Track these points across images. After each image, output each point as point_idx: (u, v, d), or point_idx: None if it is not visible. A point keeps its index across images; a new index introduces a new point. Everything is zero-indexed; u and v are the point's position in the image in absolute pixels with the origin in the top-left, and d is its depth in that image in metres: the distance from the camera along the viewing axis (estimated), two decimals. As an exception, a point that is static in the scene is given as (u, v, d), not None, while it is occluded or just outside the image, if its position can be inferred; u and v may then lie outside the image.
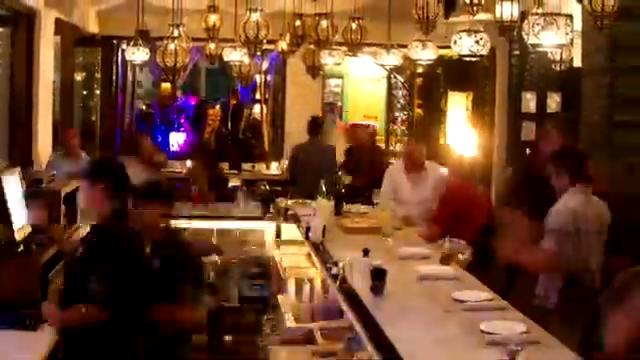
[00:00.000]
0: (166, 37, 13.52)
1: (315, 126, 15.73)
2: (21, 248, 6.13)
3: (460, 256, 8.91)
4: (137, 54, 14.41)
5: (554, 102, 17.41)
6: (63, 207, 7.12)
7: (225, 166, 16.82)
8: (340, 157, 16.25)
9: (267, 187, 13.94)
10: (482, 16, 10.41)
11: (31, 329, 5.82)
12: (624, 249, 8.81)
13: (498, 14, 9.88)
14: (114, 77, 18.43)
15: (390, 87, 20.50)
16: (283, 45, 14.38)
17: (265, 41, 12.53)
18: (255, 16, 12.07)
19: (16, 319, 5.80)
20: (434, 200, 11.16)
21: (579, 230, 8.03)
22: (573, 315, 7.44)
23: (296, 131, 17.85)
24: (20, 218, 6.34)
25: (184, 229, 10.84)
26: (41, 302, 6.03)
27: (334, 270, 7.84)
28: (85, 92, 17.86)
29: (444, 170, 11.85)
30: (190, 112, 21.69)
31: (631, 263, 5.46)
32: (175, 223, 10.93)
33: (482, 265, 9.10)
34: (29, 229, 6.45)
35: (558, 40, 8.14)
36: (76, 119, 16.43)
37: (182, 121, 21.39)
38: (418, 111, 20.51)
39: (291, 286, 9.43)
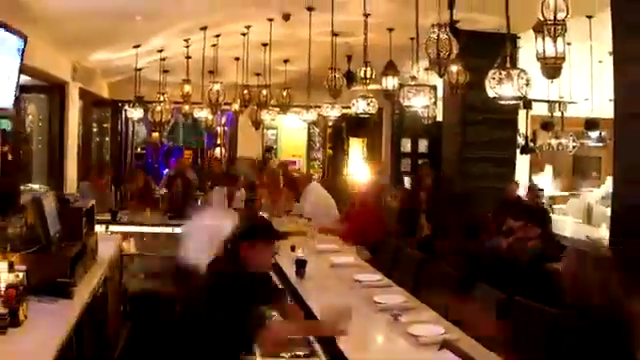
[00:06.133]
0: (155, 101, 13.58)
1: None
2: (55, 247, 6.08)
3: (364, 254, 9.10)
4: (135, 113, 14.54)
5: (423, 145, 17.60)
6: (84, 220, 7.06)
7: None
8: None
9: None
10: (373, 86, 10.50)
11: (66, 297, 5.77)
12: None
13: (384, 85, 9.94)
14: (119, 128, 18.38)
15: (309, 135, 20.46)
16: (236, 106, 14.36)
17: (223, 103, 12.66)
18: (216, 87, 12.22)
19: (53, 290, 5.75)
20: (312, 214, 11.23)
21: None
22: None
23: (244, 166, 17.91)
24: (54, 226, 6.28)
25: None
26: (69, 286, 5.97)
27: (271, 260, 7.86)
28: (99, 139, 17.72)
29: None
30: (173, 152, 21.54)
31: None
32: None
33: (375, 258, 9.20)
34: (61, 233, 6.40)
35: (424, 103, 8.22)
36: (93, 157, 16.28)
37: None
38: (329, 152, 20.55)
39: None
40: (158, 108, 13.71)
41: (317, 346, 4.95)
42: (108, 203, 11.99)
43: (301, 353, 5.80)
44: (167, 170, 16.83)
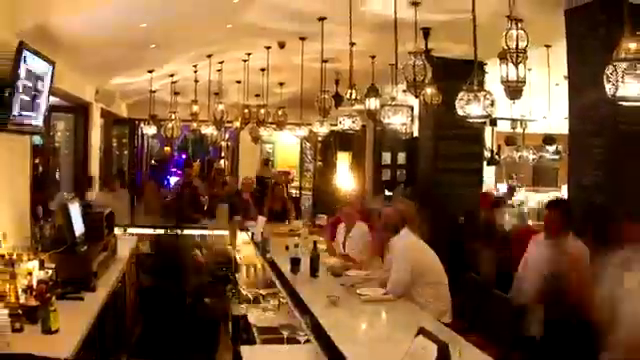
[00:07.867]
0: (167, 119, 13.61)
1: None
2: (80, 247, 6.11)
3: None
4: (150, 129, 14.59)
5: (401, 158, 17.62)
6: (105, 223, 7.10)
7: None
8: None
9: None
10: (357, 106, 10.53)
11: (90, 291, 5.80)
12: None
13: (367, 105, 9.96)
14: (136, 143, 18.45)
15: (302, 149, 20.51)
16: (237, 124, 14.43)
17: (226, 121, 12.72)
18: (220, 106, 12.28)
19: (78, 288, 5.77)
20: None
21: None
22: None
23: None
24: (79, 229, 6.30)
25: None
26: (92, 281, 5.99)
27: (269, 258, 7.89)
28: (118, 152, 17.73)
29: None
30: (181, 164, 21.52)
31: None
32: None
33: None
34: (85, 235, 6.43)
35: (402, 120, 8.26)
36: (113, 169, 16.26)
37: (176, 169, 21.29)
38: (319, 164, 20.58)
39: (243, 268, 9.42)
40: (170, 125, 13.76)
41: (308, 332, 4.97)
42: (122, 206, 12.09)
43: (294, 336, 5.84)
44: (176, 179, 16.88)
